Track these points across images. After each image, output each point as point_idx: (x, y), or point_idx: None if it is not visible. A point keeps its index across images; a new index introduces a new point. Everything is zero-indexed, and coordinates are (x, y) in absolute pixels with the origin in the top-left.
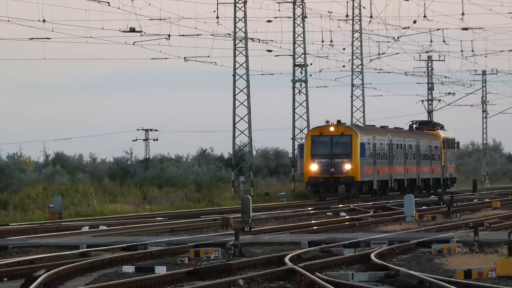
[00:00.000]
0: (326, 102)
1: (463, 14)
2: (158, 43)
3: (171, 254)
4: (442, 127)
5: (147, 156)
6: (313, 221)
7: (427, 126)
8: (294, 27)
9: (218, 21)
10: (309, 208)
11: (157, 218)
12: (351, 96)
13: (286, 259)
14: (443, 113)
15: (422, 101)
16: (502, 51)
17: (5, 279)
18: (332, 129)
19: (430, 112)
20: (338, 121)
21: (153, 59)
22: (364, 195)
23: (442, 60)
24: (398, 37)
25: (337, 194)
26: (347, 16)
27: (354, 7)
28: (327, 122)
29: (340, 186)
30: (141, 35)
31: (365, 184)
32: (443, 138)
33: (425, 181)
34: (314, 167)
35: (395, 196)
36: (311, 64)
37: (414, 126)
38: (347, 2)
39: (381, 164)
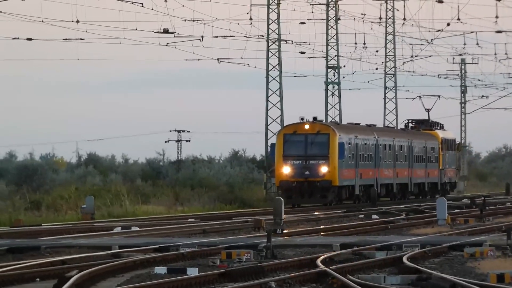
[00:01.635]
0: (359, 105)
1: (497, 17)
2: (191, 44)
3: (203, 256)
4: (441, 127)
5: (180, 157)
6: (345, 224)
7: (424, 125)
8: (327, 29)
9: (251, 23)
10: (341, 211)
11: (189, 220)
12: (384, 99)
13: (318, 261)
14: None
15: (420, 97)
16: None
17: (38, 279)
18: (307, 127)
19: (428, 110)
20: (314, 118)
21: (186, 60)
22: (347, 202)
23: (475, 63)
24: (431, 40)
25: (313, 200)
26: (380, 18)
27: (388, 9)
28: (302, 119)
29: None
30: (174, 36)
31: (344, 189)
32: (442, 138)
33: (419, 186)
34: (286, 169)
35: (383, 203)
36: (344, 66)
37: (410, 125)
38: (380, 4)
39: (364, 167)
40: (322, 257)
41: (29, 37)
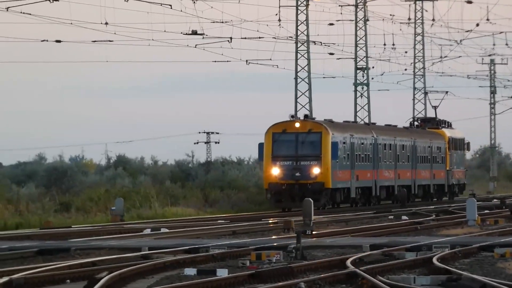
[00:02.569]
0: (388, 106)
1: None
2: (220, 45)
3: (232, 257)
4: (449, 125)
5: (209, 159)
6: (374, 224)
7: (430, 123)
8: (356, 30)
9: (280, 24)
10: (371, 212)
11: (219, 221)
12: (413, 100)
13: (348, 262)
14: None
15: (426, 93)
16: None
17: (68, 281)
18: (297, 125)
19: (435, 108)
20: (305, 116)
21: (215, 61)
22: (344, 205)
23: (505, 64)
24: (460, 40)
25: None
26: (409, 19)
27: (417, 10)
28: (292, 116)
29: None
30: (203, 37)
31: (339, 192)
32: (449, 138)
33: (424, 188)
34: (275, 171)
35: (381, 207)
36: (373, 67)
37: (416, 123)
38: (409, 5)
39: (361, 168)
40: (352, 258)
41: (58, 39)
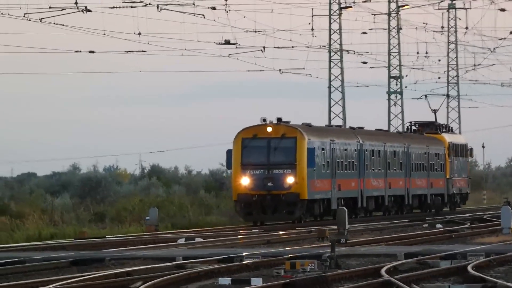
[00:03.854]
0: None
1: None
2: (253, 55)
3: (267, 266)
4: (450, 130)
5: None
6: (409, 233)
7: (429, 128)
8: (389, 39)
9: (313, 33)
10: (405, 220)
11: (253, 230)
12: (447, 108)
13: (383, 271)
14: None
15: (426, 96)
16: None
17: None
18: (269, 129)
19: (435, 111)
20: (279, 119)
21: (248, 71)
22: (327, 218)
23: None
24: (494, 48)
25: (277, 216)
26: (442, 27)
27: (450, 18)
28: (264, 120)
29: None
30: (236, 47)
31: (317, 204)
32: (449, 143)
33: (420, 198)
34: (245, 180)
35: (368, 218)
36: (406, 75)
37: (414, 128)
38: (442, 13)
39: (344, 177)
40: (387, 266)
41: (91, 50)
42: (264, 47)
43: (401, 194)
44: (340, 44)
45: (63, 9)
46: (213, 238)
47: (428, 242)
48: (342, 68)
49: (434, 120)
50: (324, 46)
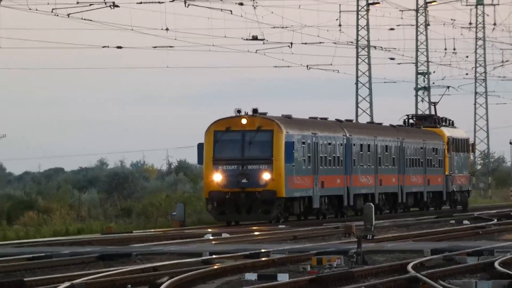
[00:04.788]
0: (449, 110)
1: None
2: (280, 51)
3: (293, 262)
4: (450, 124)
5: None
6: (435, 229)
7: (428, 122)
8: (416, 35)
9: (340, 29)
10: (432, 216)
11: (280, 226)
12: (474, 104)
13: (409, 267)
14: None
15: (425, 88)
16: None
17: (129, 286)
18: (244, 121)
19: (434, 104)
20: (254, 110)
21: (276, 67)
22: (312, 218)
23: None
24: None
25: (252, 216)
26: (470, 23)
27: (478, 15)
28: (239, 111)
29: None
30: (263, 43)
31: (297, 202)
32: (448, 137)
33: (416, 195)
34: (217, 177)
35: (357, 218)
36: (433, 72)
37: (411, 121)
38: (470, 9)
39: (328, 173)
40: (413, 262)
41: (119, 45)
42: (291, 43)
43: (394, 192)
44: (368, 40)
45: (90, 5)
46: (240, 234)
47: (455, 238)
48: (369, 64)
49: (433, 113)
50: (352, 42)
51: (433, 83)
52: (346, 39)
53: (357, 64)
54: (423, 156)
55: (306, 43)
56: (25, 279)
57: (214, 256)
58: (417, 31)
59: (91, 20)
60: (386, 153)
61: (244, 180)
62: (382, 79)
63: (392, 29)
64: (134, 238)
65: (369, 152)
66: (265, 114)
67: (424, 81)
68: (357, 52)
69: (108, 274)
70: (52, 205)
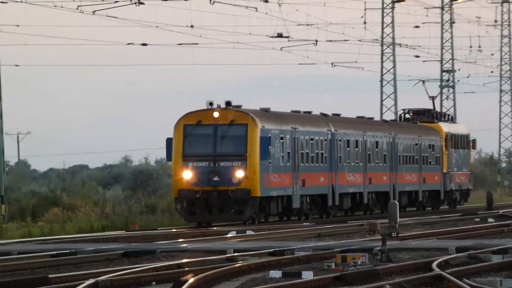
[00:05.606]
0: (474, 108)
1: None
2: (305, 48)
3: (318, 259)
4: (450, 119)
5: None
6: (460, 227)
7: (425, 116)
8: (442, 33)
9: (365, 27)
10: (456, 214)
11: (304, 224)
12: (499, 102)
13: (434, 265)
14: None
15: (423, 82)
16: None
17: (153, 283)
18: (216, 115)
19: (432, 98)
20: (227, 103)
21: (301, 64)
22: (294, 219)
23: None
24: None
25: (224, 216)
26: (495, 21)
27: (503, 12)
28: (211, 104)
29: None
30: (288, 40)
31: (274, 202)
32: (446, 133)
33: (410, 194)
34: (187, 174)
35: (344, 218)
36: (459, 69)
37: (407, 116)
38: (496, 7)
39: (310, 171)
40: (438, 260)
41: (143, 43)
42: (316, 41)
43: (385, 191)
44: (393, 38)
45: (116, 1)
46: (264, 231)
47: (479, 236)
48: (394, 61)
49: (431, 108)
50: (377, 40)
51: (458, 80)
52: (371, 36)
53: (382, 61)
54: (418, 153)
55: (331, 41)
56: (49, 276)
57: (238, 253)
58: (442, 28)
59: (116, 17)
60: (377, 149)
61: (215, 178)
62: (407, 76)
63: (417, 26)
64: (159, 235)
65: (357, 149)
66: (239, 107)
67: (449, 79)
68: (382, 50)
69: (133, 271)
70: (76, 202)
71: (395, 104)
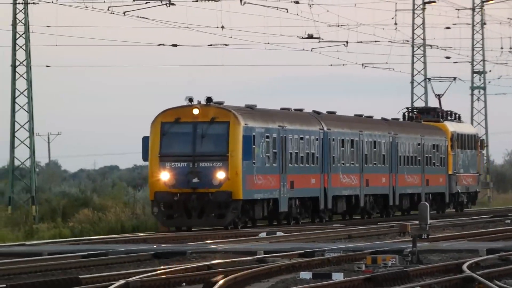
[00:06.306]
0: (505, 109)
1: None
2: (336, 49)
3: (348, 261)
4: (456, 117)
5: None
6: (491, 229)
7: (430, 115)
8: (473, 34)
9: (396, 28)
10: (487, 216)
11: (334, 225)
12: None
13: (464, 266)
14: None
15: (429, 79)
16: None
17: (184, 284)
18: (196, 111)
19: (439, 96)
20: (208, 99)
21: (331, 65)
22: (287, 222)
23: None
24: None
25: (204, 221)
26: None
27: None
28: (190, 100)
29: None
30: (319, 41)
31: (259, 205)
32: (452, 133)
33: (412, 197)
34: (164, 175)
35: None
36: (489, 71)
37: (411, 115)
38: None
39: (299, 172)
40: (468, 262)
41: (174, 43)
42: (347, 42)
43: (384, 193)
44: (423, 39)
45: (146, 2)
46: (294, 233)
47: (510, 238)
48: (425, 63)
49: (437, 106)
50: (407, 41)
51: (489, 82)
52: (401, 37)
53: (412, 62)
54: (421, 153)
55: (361, 42)
56: (80, 277)
57: (269, 254)
58: (473, 30)
59: (147, 18)
60: (375, 149)
61: (195, 180)
62: (437, 77)
63: (448, 27)
64: (189, 236)
65: (352, 149)
66: (221, 103)
67: (480, 80)
68: (413, 51)
69: (163, 272)
70: (107, 203)
71: (426, 105)
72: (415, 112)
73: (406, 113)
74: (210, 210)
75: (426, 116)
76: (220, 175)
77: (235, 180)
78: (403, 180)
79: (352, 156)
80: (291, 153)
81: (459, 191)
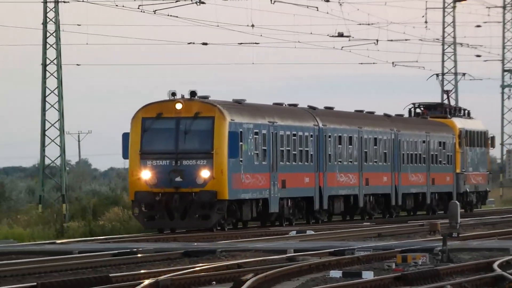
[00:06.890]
0: None
1: None
2: (366, 48)
3: (378, 259)
4: (466, 114)
5: None
6: None
7: (437, 111)
8: (503, 32)
9: (426, 26)
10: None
11: (364, 223)
12: None
13: (495, 265)
14: None
15: (437, 75)
16: None
17: (214, 282)
18: (179, 106)
19: (447, 92)
20: (192, 93)
21: (361, 64)
22: (279, 223)
23: None
24: None
25: (188, 222)
26: None
27: None
28: (173, 94)
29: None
30: (349, 40)
31: (247, 205)
32: (460, 130)
33: (416, 197)
34: (145, 174)
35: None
36: None
37: (418, 110)
38: None
39: (292, 170)
40: (499, 261)
41: (204, 42)
42: (377, 40)
43: (386, 193)
44: (454, 37)
45: (177, 1)
46: (324, 231)
47: None
48: (455, 61)
49: (444, 102)
50: (438, 39)
51: None
52: (432, 36)
53: (443, 61)
54: (426, 151)
55: (392, 40)
56: (110, 275)
57: (299, 253)
58: (504, 28)
59: (177, 17)
60: (375, 147)
61: (178, 179)
62: (468, 76)
63: (478, 26)
64: (219, 234)
65: (350, 146)
66: (206, 97)
67: (510, 78)
68: (443, 49)
69: (193, 271)
70: None
71: (456, 103)
72: (421, 108)
73: (412, 109)
74: (194, 211)
75: (433, 112)
76: (205, 173)
77: (220, 179)
78: (406, 179)
79: (350, 154)
80: (282, 151)
81: (468, 190)
